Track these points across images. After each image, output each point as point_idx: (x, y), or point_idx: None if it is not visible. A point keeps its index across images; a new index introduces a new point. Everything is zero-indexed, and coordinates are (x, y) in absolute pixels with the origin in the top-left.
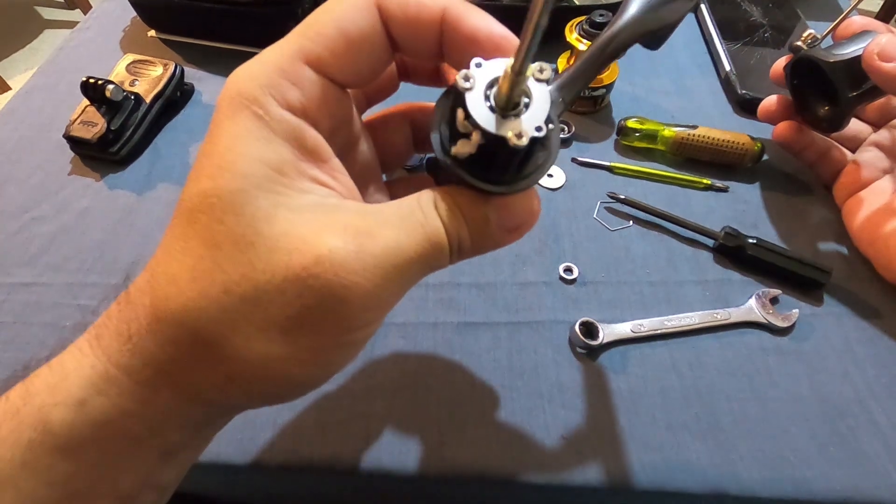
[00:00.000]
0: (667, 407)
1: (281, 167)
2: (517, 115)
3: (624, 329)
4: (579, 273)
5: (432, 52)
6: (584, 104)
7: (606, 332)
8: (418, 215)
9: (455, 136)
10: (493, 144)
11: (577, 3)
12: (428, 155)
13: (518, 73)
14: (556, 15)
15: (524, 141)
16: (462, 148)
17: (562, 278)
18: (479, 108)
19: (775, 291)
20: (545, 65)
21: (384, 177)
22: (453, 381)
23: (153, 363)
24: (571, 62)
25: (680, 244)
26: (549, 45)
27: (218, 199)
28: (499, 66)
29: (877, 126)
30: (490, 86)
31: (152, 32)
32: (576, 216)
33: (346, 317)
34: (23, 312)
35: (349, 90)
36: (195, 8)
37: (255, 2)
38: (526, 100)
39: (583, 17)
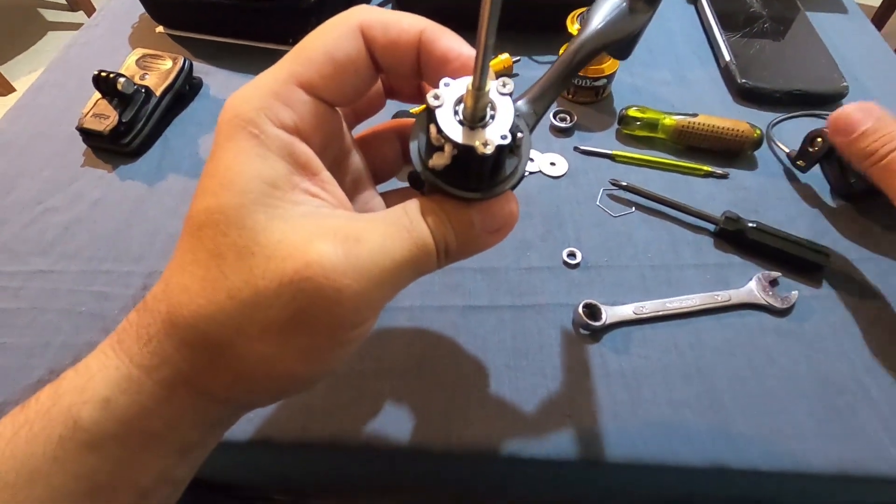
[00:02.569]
0: (668, 385)
1: (276, 181)
2: (484, 127)
3: (626, 311)
4: (582, 258)
5: (412, 72)
6: (585, 94)
7: (609, 314)
8: (405, 221)
9: (431, 149)
10: (464, 154)
11: None
12: (410, 170)
13: (478, 89)
14: (557, 7)
15: (490, 149)
16: (437, 160)
17: (565, 263)
18: (449, 123)
19: (775, 274)
20: (507, 80)
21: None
22: (459, 362)
23: (170, 364)
24: None
25: (681, 229)
26: (552, 36)
27: (221, 215)
28: (465, 84)
29: None
30: (458, 102)
31: (160, 28)
32: (579, 203)
33: (338, 317)
34: (39, 299)
35: (338, 108)
36: (203, 4)
37: None
38: (491, 112)
39: (583, 9)
